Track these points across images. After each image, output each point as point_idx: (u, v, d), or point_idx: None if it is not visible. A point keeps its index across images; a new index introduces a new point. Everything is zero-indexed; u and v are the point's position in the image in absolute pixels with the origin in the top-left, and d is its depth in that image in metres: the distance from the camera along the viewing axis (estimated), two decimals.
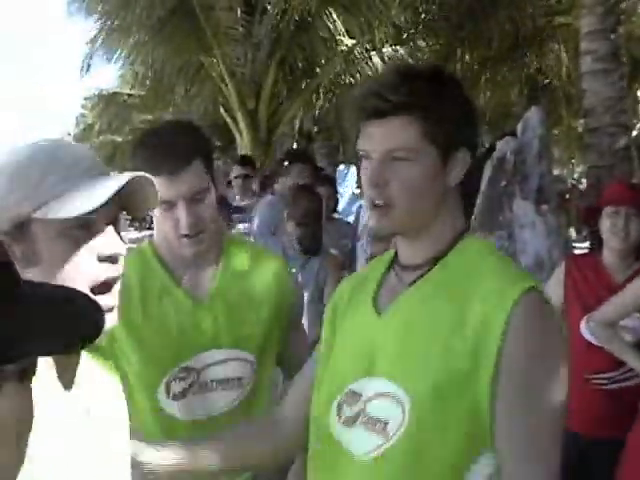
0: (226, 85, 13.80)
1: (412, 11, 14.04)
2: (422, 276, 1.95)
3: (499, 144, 5.35)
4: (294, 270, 5.42)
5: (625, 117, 9.60)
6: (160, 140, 2.49)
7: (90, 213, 1.42)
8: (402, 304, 1.96)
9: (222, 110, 14.79)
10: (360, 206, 8.81)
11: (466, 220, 2.02)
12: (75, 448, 1.46)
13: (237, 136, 14.32)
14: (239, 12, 13.55)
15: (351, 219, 8.50)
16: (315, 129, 19.35)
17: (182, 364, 2.56)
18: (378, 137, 1.89)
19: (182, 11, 13.23)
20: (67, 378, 1.51)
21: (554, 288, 4.38)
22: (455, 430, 1.81)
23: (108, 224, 1.49)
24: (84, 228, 1.46)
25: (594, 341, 4.05)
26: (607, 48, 9.34)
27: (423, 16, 14.16)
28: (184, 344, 2.56)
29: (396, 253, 2.06)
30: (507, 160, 5.19)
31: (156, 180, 2.34)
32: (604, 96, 9.24)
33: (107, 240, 1.47)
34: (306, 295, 5.45)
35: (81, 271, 1.46)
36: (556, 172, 22.43)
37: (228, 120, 14.47)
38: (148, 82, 17.36)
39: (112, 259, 1.48)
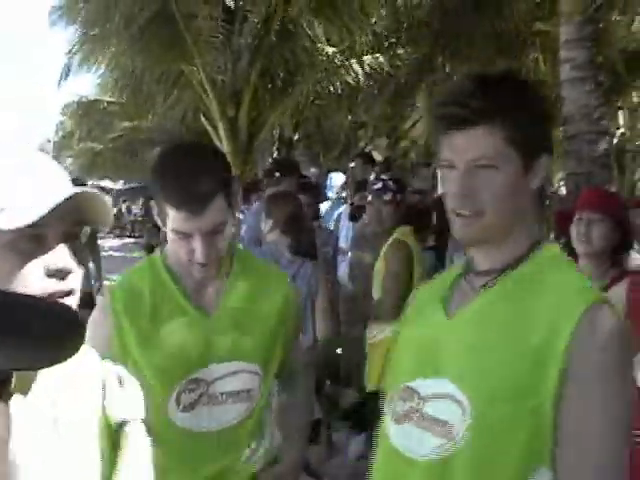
0: (206, 93, 13.81)
1: (393, 19, 14.07)
2: (494, 281, 1.97)
3: None
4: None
5: (603, 124, 9.65)
6: (184, 173, 2.46)
7: (37, 226, 1.41)
8: (471, 308, 1.98)
9: (202, 118, 14.79)
10: (341, 213, 8.83)
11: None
12: (41, 457, 1.46)
13: (217, 144, 14.32)
14: (219, 20, 13.54)
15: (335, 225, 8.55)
16: (296, 137, 19.36)
17: (191, 376, 2.59)
18: (461, 147, 1.90)
19: (162, 19, 13.22)
20: (25, 384, 1.50)
21: None
22: (516, 437, 1.82)
23: (64, 240, 1.49)
24: (33, 242, 1.44)
25: None
26: (585, 56, 9.38)
27: (404, 25, 14.18)
28: (193, 356, 2.59)
29: (470, 259, 2.07)
30: None
31: (176, 215, 2.40)
32: (582, 103, 9.28)
33: (56, 255, 1.45)
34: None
35: (27, 284, 1.44)
36: None
37: (208, 128, 14.48)
38: (128, 90, 17.35)
39: (60, 274, 1.46)
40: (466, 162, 1.89)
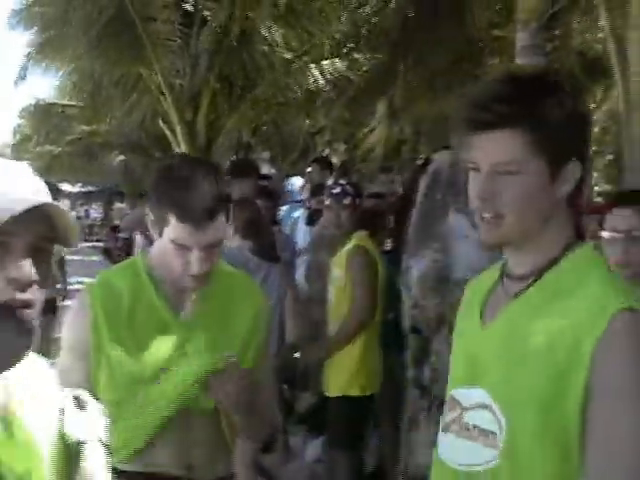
0: (164, 97, 13.77)
1: (352, 25, 14.11)
2: (527, 288, 1.95)
3: (434, 158, 5.41)
4: (257, 281, 5.45)
5: None
6: (193, 187, 2.50)
7: (2, 233, 1.41)
8: (504, 316, 1.98)
9: (161, 122, 14.75)
10: (298, 217, 8.86)
11: (575, 233, 2.01)
12: None
13: (175, 148, 14.29)
14: (177, 24, 13.51)
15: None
16: (254, 141, 19.35)
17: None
18: (485, 150, 1.90)
19: (121, 23, 13.18)
20: None
21: None
22: (547, 451, 1.82)
23: (32, 252, 1.48)
24: None
25: None
26: (541, 62, 9.46)
27: (363, 31, 14.22)
28: (165, 360, 2.62)
29: (505, 262, 2.06)
30: (442, 173, 5.24)
31: (179, 225, 2.45)
32: None
33: (19, 265, 1.44)
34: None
35: None
36: None
37: (167, 132, 14.44)
38: (86, 93, 17.28)
39: (19, 285, 1.45)
40: (489, 165, 1.90)
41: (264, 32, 14.27)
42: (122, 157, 29.46)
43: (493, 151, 1.88)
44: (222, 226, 2.56)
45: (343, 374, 5.67)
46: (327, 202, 5.88)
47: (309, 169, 9.86)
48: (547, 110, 1.87)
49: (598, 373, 1.76)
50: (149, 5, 13.06)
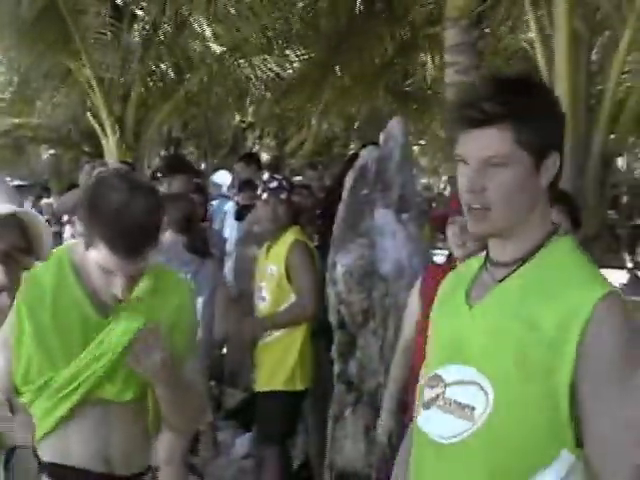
0: (93, 91, 13.63)
1: (284, 22, 14.09)
2: (512, 273, 2.11)
3: (361, 153, 5.44)
4: (189, 275, 5.43)
5: None
6: (123, 220, 2.44)
7: None
8: (491, 299, 2.13)
9: (90, 116, 14.60)
10: (227, 211, 8.84)
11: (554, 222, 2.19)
12: None
13: (104, 142, 14.15)
14: (108, 17, 13.37)
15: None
16: (184, 136, 19.25)
17: None
18: (474, 145, 2.05)
19: (50, 15, 12.99)
20: None
21: (413, 299, 4.49)
22: (535, 420, 1.99)
23: (4, 260, 1.47)
24: None
25: None
26: (469, 61, 9.54)
27: (295, 28, 14.19)
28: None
29: (488, 251, 2.22)
30: (369, 169, 5.27)
31: (108, 253, 2.44)
32: None
33: None
34: (201, 300, 5.45)
35: None
36: (424, 181, 22.78)
37: (96, 126, 14.30)
38: (14, 86, 17.05)
39: None
40: (477, 160, 2.04)
41: (195, 27, 14.19)
42: (52, 151, 29.07)
43: (482, 146, 2.04)
44: (149, 255, 2.54)
45: (278, 369, 5.66)
46: (264, 196, 5.84)
47: (236, 166, 9.85)
48: (531, 108, 2.05)
49: (589, 345, 1.93)
50: None
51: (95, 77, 13.41)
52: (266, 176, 6.45)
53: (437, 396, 2.16)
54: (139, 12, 14.09)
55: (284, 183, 5.90)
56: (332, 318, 5.24)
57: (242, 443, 7.31)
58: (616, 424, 1.94)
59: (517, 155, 2.03)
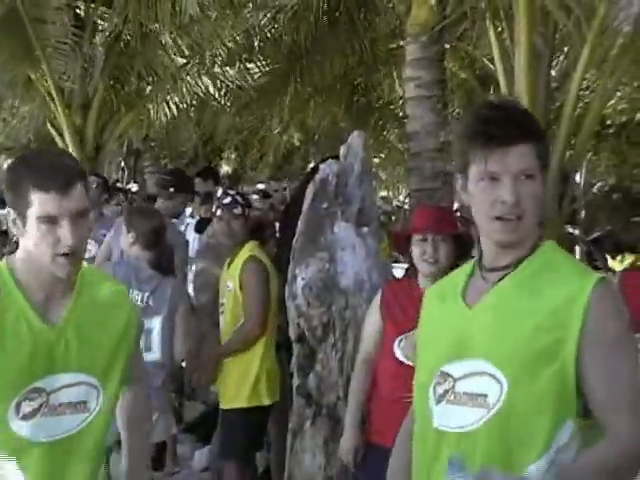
0: (54, 101, 13.53)
1: (244, 34, 14.07)
2: (507, 275, 2.35)
3: (322, 167, 5.44)
4: (147, 294, 5.39)
5: (446, 142, 9.88)
6: (48, 160, 2.59)
7: None
8: (491, 297, 2.36)
9: (49, 126, 14.49)
10: (187, 224, 8.81)
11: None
12: None
13: None
14: (69, 27, 13.28)
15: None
16: (144, 147, 19.16)
17: (33, 385, 2.60)
18: (508, 161, 2.28)
19: (10, 23, 12.87)
20: None
21: (372, 312, 4.51)
22: (545, 399, 2.20)
23: None
24: None
25: (407, 362, 4.16)
26: (430, 75, 9.61)
27: (255, 40, 14.19)
28: (36, 365, 2.60)
29: (479, 260, 2.45)
30: (329, 182, 5.27)
31: (43, 196, 2.48)
32: (426, 121, 9.49)
33: None
34: (159, 319, 5.41)
35: None
36: (383, 194, 22.82)
37: (56, 136, 14.18)
38: None
39: None
40: (516, 173, 2.28)
41: (157, 38, 14.12)
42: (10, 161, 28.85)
43: (519, 161, 2.28)
44: (84, 195, 2.57)
45: (241, 385, 5.64)
46: (218, 212, 5.84)
47: (194, 182, 9.84)
48: (540, 131, 2.39)
49: (592, 322, 2.19)
50: (40, 6, 12.79)
51: (55, 87, 13.30)
52: (220, 192, 6.43)
53: (445, 392, 2.36)
54: (101, 22, 14.01)
55: (238, 198, 5.89)
56: (291, 331, 5.23)
57: (201, 456, 7.29)
58: (618, 371, 2.20)
59: (538, 169, 2.32)
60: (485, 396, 2.27)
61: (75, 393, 2.67)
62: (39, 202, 2.50)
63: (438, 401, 2.38)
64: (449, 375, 2.36)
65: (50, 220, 2.51)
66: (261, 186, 10.41)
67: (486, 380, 2.28)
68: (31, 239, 2.57)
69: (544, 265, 2.35)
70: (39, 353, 2.60)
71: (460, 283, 2.49)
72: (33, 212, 2.52)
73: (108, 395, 2.76)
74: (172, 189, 7.54)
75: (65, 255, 2.55)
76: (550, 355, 2.21)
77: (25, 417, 2.60)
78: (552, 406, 2.21)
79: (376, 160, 18.21)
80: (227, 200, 5.83)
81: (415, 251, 4.29)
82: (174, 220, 7.54)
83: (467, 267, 2.54)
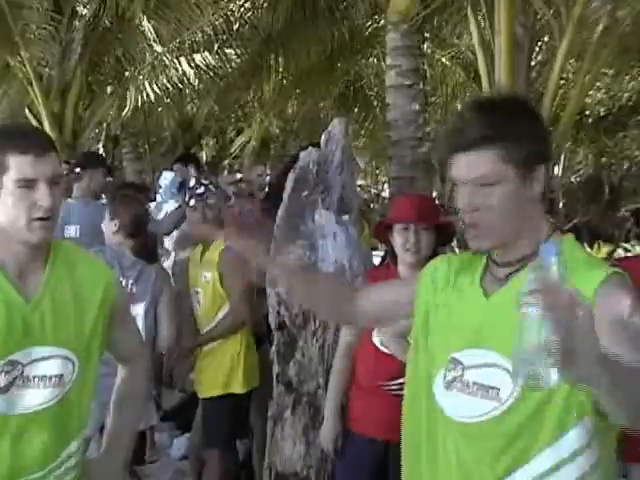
0: (32, 87, 13.46)
1: (223, 20, 14.02)
2: (520, 269, 2.26)
3: (302, 154, 5.42)
4: (130, 281, 5.37)
5: (426, 131, 9.92)
6: (24, 128, 2.82)
7: None
8: (507, 290, 2.27)
9: (28, 112, 14.42)
10: (167, 213, 8.77)
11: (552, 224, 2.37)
12: None
13: None
14: (48, 12, 13.19)
15: None
16: (122, 134, 19.06)
17: (9, 357, 2.59)
18: (464, 168, 2.23)
19: None
20: None
21: None
22: (556, 393, 2.13)
23: None
24: None
25: (386, 350, 4.17)
26: (410, 64, 9.60)
27: (234, 26, 14.15)
28: (12, 339, 2.59)
29: (492, 253, 2.37)
30: (309, 170, 5.26)
31: (21, 159, 2.54)
32: (406, 110, 9.50)
33: None
34: (142, 306, 5.39)
35: None
36: (362, 182, 22.83)
37: (34, 123, 14.11)
38: None
39: None
40: (469, 181, 2.23)
41: (136, 24, 14.06)
42: None
43: (471, 169, 2.22)
44: (58, 162, 2.65)
45: (220, 373, 5.64)
46: (192, 203, 5.81)
47: (175, 166, 9.79)
48: (514, 127, 2.23)
49: (598, 307, 2.01)
50: None
51: (34, 73, 13.25)
52: (192, 182, 6.39)
53: (454, 379, 2.33)
54: (80, 8, 13.92)
55: (211, 188, 5.86)
56: (272, 319, 5.23)
57: (179, 444, 7.28)
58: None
59: (505, 173, 2.20)
60: (497, 389, 2.24)
61: (51, 366, 2.66)
62: (17, 165, 2.55)
63: (447, 387, 2.35)
64: (459, 362, 2.33)
65: (27, 184, 2.55)
66: (237, 175, 10.38)
67: (499, 373, 2.23)
68: (6, 206, 2.58)
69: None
70: (15, 326, 2.59)
71: (478, 268, 2.44)
72: (10, 176, 2.56)
73: (84, 369, 2.75)
74: (78, 169, 7.51)
75: (40, 220, 2.57)
76: None
77: (1, 390, 2.59)
78: (563, 404, 2.16)
79: (355, 149, 18.22)
80: (201, 190, 5.81)
81: (397, 240, 4.29)
82: (104, 201, 7.45)
83: (480, 256, 2.47)
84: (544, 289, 1.80)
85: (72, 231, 7.08)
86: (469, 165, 2.22)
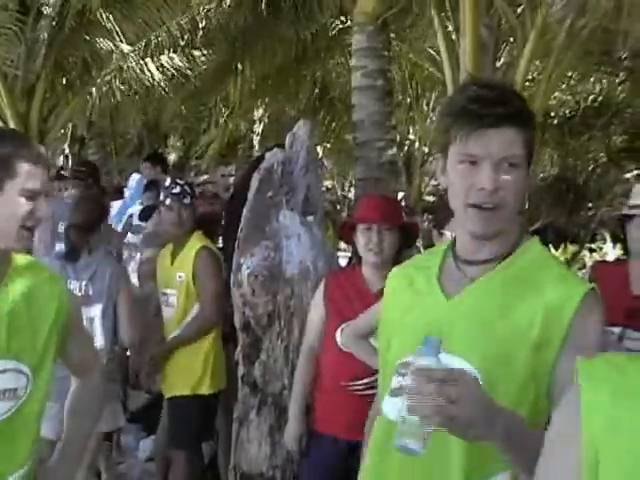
0: None
1: (189, 20, 13.98)
2: (490, 270, 2.20)
3: (267, 155, 5.43)
4: (84, 282, 5.35)
5: (392, 132, 9.94)
6: (30, 140, 2.75)
7: None
8: (471, 292, 2.20)
9: None
10: (131, 215, 8.77)
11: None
12: None
13: None
14: (13, 11, 13.10)
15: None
16: (88, 135, 18.94)
17: None
18: (493, 144, 2.09)
19: None
20: None
21: (317, 302, 4.53)
22: (519, 398, 2.08)
23: None
24: None
25: (347, 349, 4.20)
26: (376, 65, 9.63)
27: (201, 26, 14.11)
28: None
29: (453, 248, 2.31)
30: (274, 171, 5.27)
31: (32, 169, 2.56)
32: (371, 110, 9.52)
33: None
34: (100, 307, 5.36)
35: None
36: (328, 183, 22.85)
37: None
38: None
39: None
40: (498, 159, 2.10)
41: (102, 23, 13.98)
42: None
43: (502, 145, 2.09)
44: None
45: (187, 374, 5.64)
46: (167, 202, 5.80)
47: (141, 166, 9.77)
48: (530, 117, 2.18)
49: (575, 333, 2.06)
50: None
51: None
52: (168, 181, 6.38)
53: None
54: (45, 8, 13.83)
55: (187, 188, 5.87)
56: (236, 320, 5.23)
57: (145, 446, 7.27)
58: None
59: (525, 158, 2.14)
60: None
61: (4, 380, 2.64)
62: (28, 174, 2.56)
63: (394, 392, 2.12)
64: (409, 364, 2.12)
65: (32, 195, 2.57)
66: (206, 176, 10.38)
67: None
68: (7, 212, 2.58)
69: (530, 266, 2.21)
70: None
71: (433, 269, 2.33)
72: (17, 183, 2.56)
73: (38, 383, 2.72)
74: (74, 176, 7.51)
75: (28, 229, 2.60)
76: (527, 359, 2.09)
77: None
78: (526, 414, 2.08)
79: (320, 150, 18.24)
80: (177, 190, 5.81)
81: (360, 240, 4.31)
82: None
83: (437, 252, 2.39)
84: (419, 376, 1.82)
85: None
86: (500, 141, 2.10)
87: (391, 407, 2.24)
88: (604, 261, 6.96)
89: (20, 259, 2.79)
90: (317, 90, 16.11)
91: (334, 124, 17.09)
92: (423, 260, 2.47)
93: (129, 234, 8.48)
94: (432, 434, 1.85)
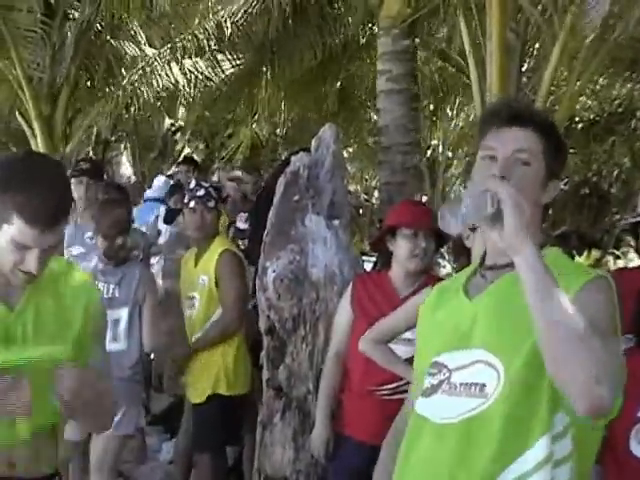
0: (22, 90, 13.40)
1: (215, 26, 14.00)
2: (508, 272, 2.26)
3: (293, 159, 5.43)
4: (112, 286, 5.36)
5: (416, 136, 9.91)
6: (41, 188, 2.43)
7: None
8: (491, 291, 2.32)
9: (18, 116, 14.35)
10: (157, 217, 8.77)
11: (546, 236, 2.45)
12: None
13: (32, 143, 13.90)
14: (39, 15, 13.16)
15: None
16: (113, 138, 19.02)
17: None
18: (507, 138, 2.29)
19: None
20: None
21: (344, 306, 4.52)
22: (540, 387, 2.15)
23: None
24: None
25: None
26: (401, 69, 9.61)
27: (226, 32, 14.13)
28: None
29: (482, 259, 2.43)
30: (300, 175, 5.26)
31: (26, 228, 2.41)
32: (396, 115, 9.50)
33: None
34: (126, 310, 5.38)
35: None
36: (351, 187, 22.85)
37: (24, 127, 14.06)
38: None
39: None
40: (507, 151, 2.26)
41: (128, 27, 14.04)
42: None
43: (514, 140, 2.28)
44: (62, 230, 2.55)
45: (212, 378, 5.63)
46: (191, 205, 5.78)
47: (176, 169, 9.76)
48: (553, 134, 2.35)
49: (579, 303, 2.07)
50: None
51: (24, 76, 13.19)
52: (193, 184, 6.36)
53: (441, 382, 2.31)
54: (72, 11, 13.88)
55: (211, 191, 5.86)
56: (261, 323, 5.22)
57: (168, 448, 7.27)
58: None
59: (539, 161, 2.29)
60: (482, 385, 2.22)
61: None
62: (19, 230, 2.43)
63: (431, 392, 2.33)
64: (444, 366, 2.32)
65: (24, 248, 2.47)
66: (237, 173, 10.33)
67: (483, 369, 2.23)
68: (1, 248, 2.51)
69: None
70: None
71: (461, 279, 2.48)
72: (10, 231, 2.44)
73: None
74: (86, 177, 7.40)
75: (25, 273, 2.52)
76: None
77: None
78: (544, 398, 2.15)
79: (345, 154, 18.24)
80: (201, 192, 5.80)
81: (403, 246, 4.30)
82: None
83: (470, 267, 2.54)
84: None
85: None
86: (513, 137, 2.28)
87: (424, 405, 2.35)
88: (623, 268, 6.91)
89: (54, 261, 2.74)
90: (340, 94, 16.10)
91: (356, 128, 17.09)
92: (455, 277, 2.63)
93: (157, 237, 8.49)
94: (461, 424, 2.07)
